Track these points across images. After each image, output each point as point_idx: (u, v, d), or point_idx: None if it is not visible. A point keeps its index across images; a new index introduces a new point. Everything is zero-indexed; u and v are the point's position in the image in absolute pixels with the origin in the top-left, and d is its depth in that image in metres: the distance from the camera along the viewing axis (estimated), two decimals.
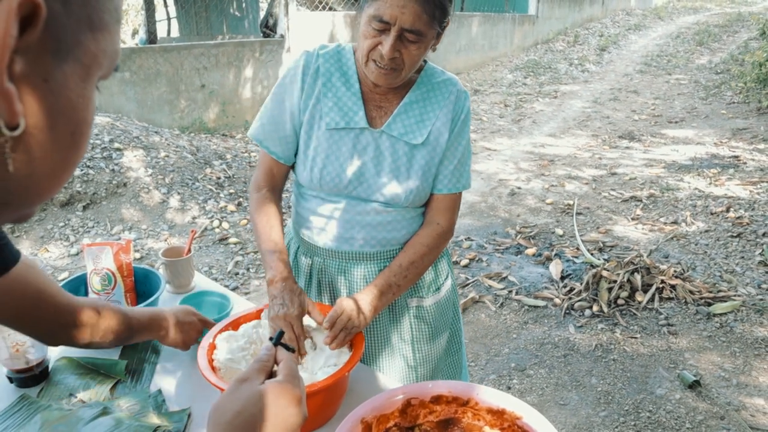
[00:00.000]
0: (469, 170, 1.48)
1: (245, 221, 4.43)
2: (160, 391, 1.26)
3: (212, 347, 1.23)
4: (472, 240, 4.28)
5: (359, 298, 1.32)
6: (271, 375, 0.76)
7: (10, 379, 1.26)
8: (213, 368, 1.17)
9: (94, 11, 0.38)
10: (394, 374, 1.55)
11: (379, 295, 1.35)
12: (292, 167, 1.50)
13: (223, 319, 1.49)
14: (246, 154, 5.78)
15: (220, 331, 1.28)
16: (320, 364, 1.21)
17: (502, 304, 3.45)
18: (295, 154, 1.46)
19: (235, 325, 1.31)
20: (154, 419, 1.16)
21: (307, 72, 1.39)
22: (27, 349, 1.23)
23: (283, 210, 1.50)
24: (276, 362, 0.78)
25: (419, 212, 1.49)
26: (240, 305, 1.61)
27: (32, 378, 1.26)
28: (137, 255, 3.88)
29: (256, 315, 1.34)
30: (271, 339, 0.80)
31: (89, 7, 0.38)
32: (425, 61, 1.44)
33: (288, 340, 1.23)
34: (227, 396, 0.70)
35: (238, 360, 1.19)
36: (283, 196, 1.54)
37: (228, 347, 1.22)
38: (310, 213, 1.47)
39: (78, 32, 0.37)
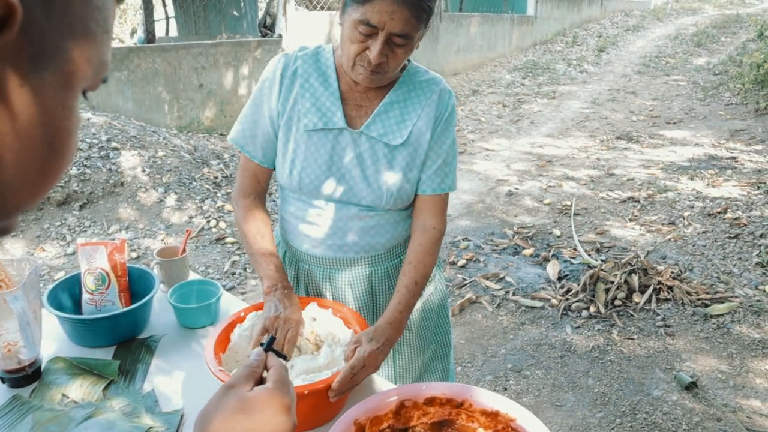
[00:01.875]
0: (455, 171, 1.44)
1: None
2: (153, 392, 1.26)
3: (241, 319, 1.28)
4: (469, 240, 4.28)
5: (380, 332, 1.25)
6: (261, 381, 0.74)
7: (2, 380, 1.25)
8: (225, 343, 1.22)
9: (77, 19, 0.37)
10: (401, 369, 1.55)
11: (401, 318, 1.32)
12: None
13: (213, 304, 1.50)
14: None
15: (254, 308, 1.32)
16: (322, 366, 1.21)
17: (499, 304, 3.44)
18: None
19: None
20: (147, 420, 1.15)
21: (285, 74, 1.37)
22: (19, 349, 1.22)
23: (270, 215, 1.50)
24: (266, 368, 0.76)
25: (404, 215, 1.46)
26: (236, 306, 1.60)
27: (24, 378, 1.25)
28: (134, 255, 3.88)
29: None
30: (261, 344, 0.78)
31: (73, 15, 0.36)
32: (408, 60, 1.42)
33: (277, 344, 1.20)
34: (214, 403, 0.69)
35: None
36: (272, 197, 1.53)
37: (251, 325, 1.27)
38: (293, 218, 1.46)
39: (60, 39, 0.36)
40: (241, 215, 1.43)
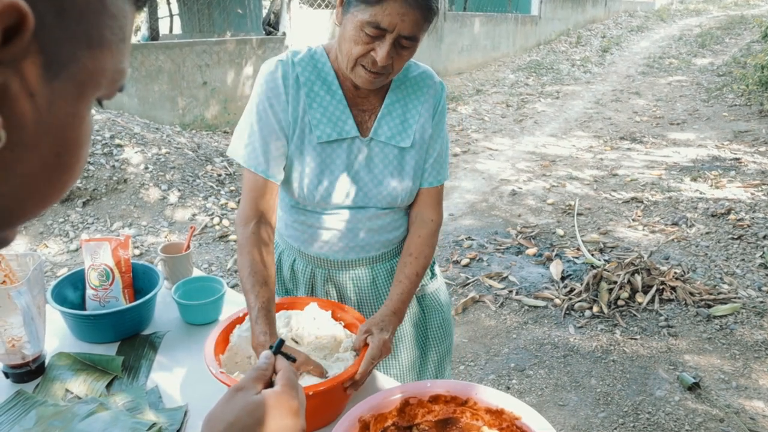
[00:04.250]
0: (447, 162, 1.46)
1: None
2: (156, 388, 1.26)
3: (240, 320, 1.27)
4: (472, 240, 4.27)
5: (388, 321, 1.27)
6: (270, 385, 0.73)
7: (6, 375, 1.25)
8: (224, 344, 1.20)
9: (93, 27, 0.36)
10: (409, 365, 1.55)
11: (403, 308, 1.35)
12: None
13: (217, 301, 1.49)
14: None
15: None
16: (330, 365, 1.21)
17: (502, 304, 3.44)
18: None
19: (277, 308, 1.31)
20: (151, 416, 1.15)
21: (287, 83, 1.30)
22: (23, 344, 1.22)
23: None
24: (275, 371, 0.75)
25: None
26: (240, 303, 1.60)
27: (28, 373, 1.25)
28: (137, 251, 3.88)
29: (300, 307, 1.33)
30: (270, 347, 0.77)
31: (88, 23, 0.35)
32: None
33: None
34: (221, 406, 0.68)
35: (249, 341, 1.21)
36: None
37: (250, 326, 1.24)
38: (306, 227, 1.42)
39: (74, 48, 0.35)
40: (243, 244, 1.29)
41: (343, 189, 1.35)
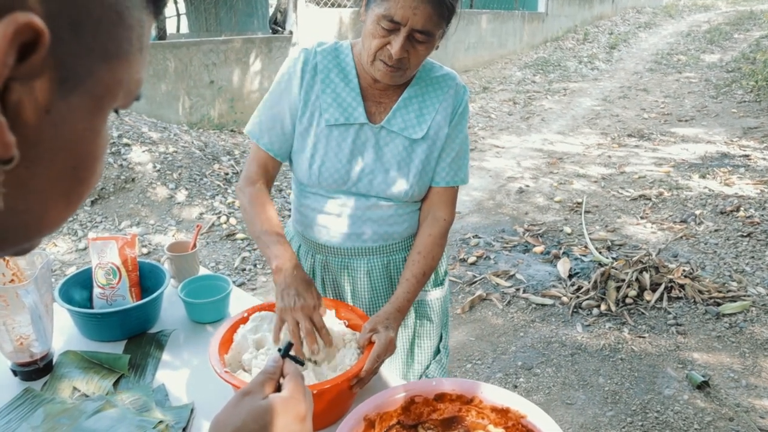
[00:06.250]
0: (467, 165, 1.47)
1: None
2: (163, 386, 1.26)
3: (244, 320, 1.27)
4: (479, 237, 4.26)
5: (393, 319, 1.28)
6: (278, 388, 0.72)
7: (15, 373, 1.26)
8: (229, 343, 1.21)
9: (109, 40, 0.35)
10: (391, 370, 1.55)
11: (408, 306, 1.36)
12: (290, 163, 1.49)
13: (223, 299, 1.50)
14: None
15: (261, 309, 1.30)
16: (338, 364, 1.20)
17: (509, 302, 3.43)
18: (291, 151, 1.45)
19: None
20: (157, 414, 1.15)
21: (305, 69, 1.39)
22: (31, 342, 1.23)
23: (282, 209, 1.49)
24: (282, 375, 0.74)
25: (419, 205, 1.49)
26: (246, 301, 1.60)
27: (36, 371, 1.26)
28: (144, 250, 3.89)
29: None
30: (279, 350, 0.77)
31: (104, 36, 0.34)
32: None
33: (306, 333, 1.17)
34: (228, 410, 0.68)
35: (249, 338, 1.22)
36: (282, 194, 1.52)
37: (254, 326, 1.25)
38: (311, 211, 1.46)
39: (90, 62, 0.34)
40: (247, 199, 1.40)
41: (349, 174, 1.38)
